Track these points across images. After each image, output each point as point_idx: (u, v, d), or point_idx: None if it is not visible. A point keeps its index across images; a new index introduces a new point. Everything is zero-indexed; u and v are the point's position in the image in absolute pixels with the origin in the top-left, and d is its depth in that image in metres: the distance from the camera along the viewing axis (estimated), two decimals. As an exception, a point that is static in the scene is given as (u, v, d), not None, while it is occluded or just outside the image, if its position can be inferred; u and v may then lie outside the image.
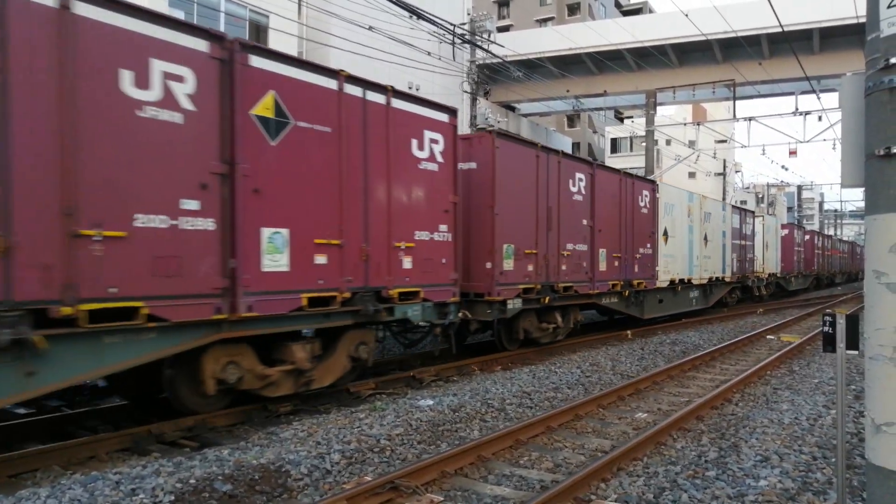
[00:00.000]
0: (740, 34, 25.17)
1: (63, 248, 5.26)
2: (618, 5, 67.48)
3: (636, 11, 59.35)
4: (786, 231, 32.26)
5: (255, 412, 7.59)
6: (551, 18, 56.64)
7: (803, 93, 27.61)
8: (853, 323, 4.27)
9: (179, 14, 16.68)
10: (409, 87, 23.01)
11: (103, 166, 5.53)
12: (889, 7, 2.67)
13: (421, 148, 8.94)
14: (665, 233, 17.01)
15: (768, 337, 15.36)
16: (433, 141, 9.13)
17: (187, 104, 6.15)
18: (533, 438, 6.65)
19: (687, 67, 29.22)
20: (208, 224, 6.31)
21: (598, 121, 56.88)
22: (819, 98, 26.97)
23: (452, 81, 24.72)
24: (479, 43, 24.09)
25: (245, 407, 7.58)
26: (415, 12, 15.99)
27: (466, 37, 23.45)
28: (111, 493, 4.75)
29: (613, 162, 50.03)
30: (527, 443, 6.50)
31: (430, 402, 7.78)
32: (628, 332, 15.25)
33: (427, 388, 9.23)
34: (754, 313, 22.14)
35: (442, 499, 5.00)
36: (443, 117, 9.35)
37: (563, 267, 12.49)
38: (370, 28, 17.38)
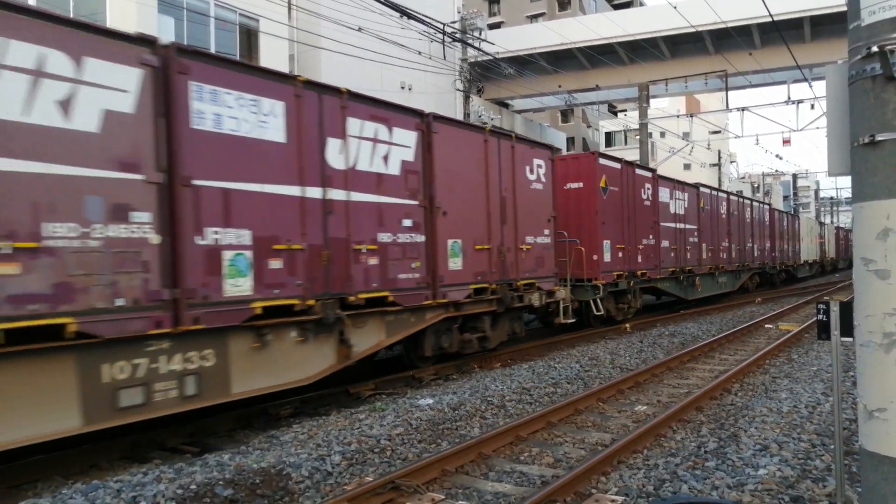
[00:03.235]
0: (731, 25, 25.16)
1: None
2: (608, -1, 67.42)
3: (627, 5, 59.36)
4: (835, 230, 52.31)
5: (255, 416, 7.61)
6: (542, 14, 56.62)
7: (795, 81, 27.62)
8: (847, 310, 4.28)
9: (169, 21, 16.62)
10: (402, 87, 23.00)
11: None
12: (869, -5, 2.68)
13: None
14: (802, 237, 36.50)
15: (767, 326, 15.41)
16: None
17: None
18: (533, 434, 6.67)
19: (678, 59, 29.20)
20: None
21: (592, 115, 56.87)
22: (811, 86, 27.04)
23: (445, 80, 24.72)
24: (470, 41, 24.09)
25: (245, 410, 7.60)
26: (404, 12, 15.98)
27: (457, 35, 23.44)
28: (112, 501, 4.76)
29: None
30: (527, 439, 6.52)
31: (430, 401, 7.79)
32: (627, 325, 15.28)
33: (426, 387, 9.25)
34: (752, 303, 22.18)
35: (443, 497, 5.02)
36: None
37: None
38: (359, 29, 17.38)
